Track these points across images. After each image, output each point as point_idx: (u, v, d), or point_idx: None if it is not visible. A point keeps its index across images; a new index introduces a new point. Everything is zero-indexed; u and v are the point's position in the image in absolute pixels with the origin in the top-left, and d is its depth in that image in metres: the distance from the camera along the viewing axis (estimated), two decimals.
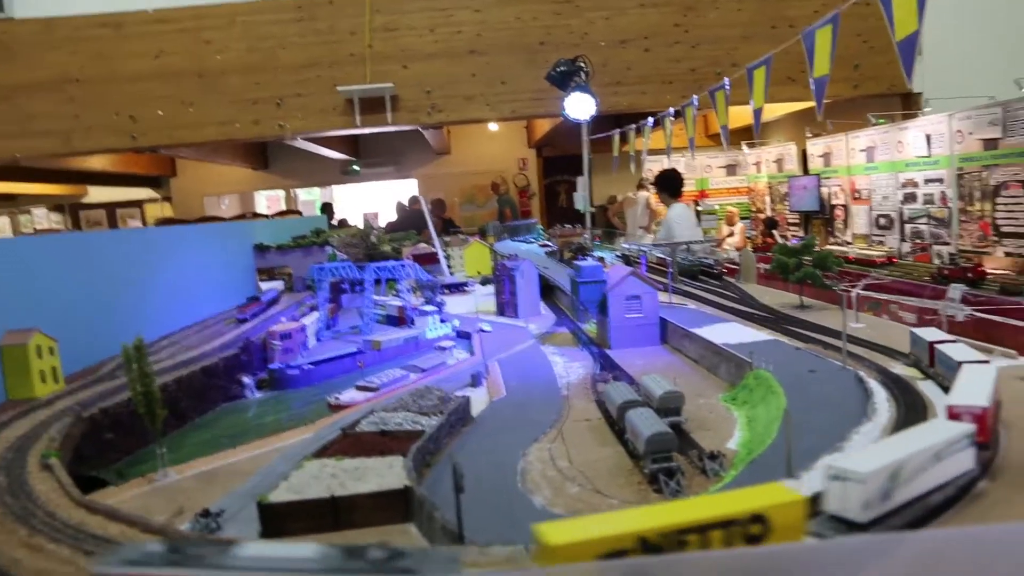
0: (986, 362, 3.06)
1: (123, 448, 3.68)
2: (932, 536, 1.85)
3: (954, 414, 2.44)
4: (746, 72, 6.53)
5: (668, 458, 2.84)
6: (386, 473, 2.75)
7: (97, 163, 16.98)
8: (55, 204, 21.47)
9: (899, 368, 3.61)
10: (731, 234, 14.68)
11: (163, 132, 13.85)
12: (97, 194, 22.24)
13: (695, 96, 8.05)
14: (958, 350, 3.27)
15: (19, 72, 13.46)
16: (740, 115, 9.37)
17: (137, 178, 21.06)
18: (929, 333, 3.61)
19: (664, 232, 11.01)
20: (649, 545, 1.63)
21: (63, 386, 4.14)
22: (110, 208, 22.01)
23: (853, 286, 4.86)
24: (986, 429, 2.38)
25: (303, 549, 1.60)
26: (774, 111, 15.31)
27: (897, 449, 2.16)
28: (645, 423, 2.96)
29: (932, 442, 2.21)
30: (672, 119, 9.25)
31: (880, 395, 3.20)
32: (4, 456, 2.94)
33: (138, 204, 22.08)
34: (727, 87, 7.10)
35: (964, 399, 2.47)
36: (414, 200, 18.09)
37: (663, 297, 5.41)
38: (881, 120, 11.11)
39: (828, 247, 9.82)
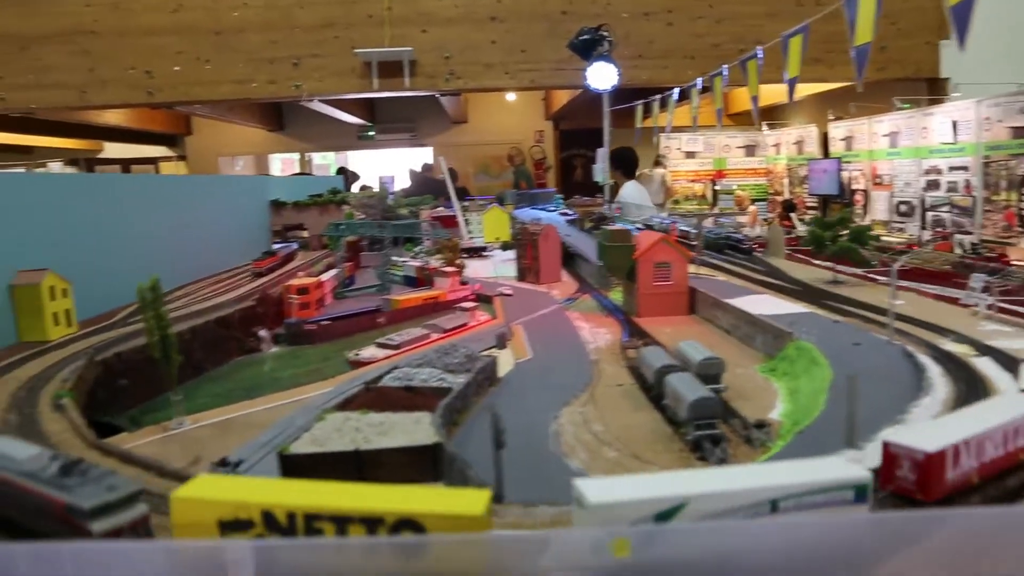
0: None
1: (137, 395, 3.55)
2: (991, 513, 1.71)
3: None
4: (781, 40, 6.29)
5: (712, 425, 2.69)
6: (413, 429, 2.61)
7: (113, 118, 16.81)
8: (71, 158, 21.35)
9: (949, 345, 3.44)
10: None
11: (179, 88, 13.65)
12: (113, 150, 22.09)
13: (725, 66, 7.80)
14: None
15: (35, 21, 13.27)
16: (762, 95, 9.13)
17: (152, 135, 20.90)
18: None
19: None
20: (274, 522, 1.45)
21: (76, 329, 4.02)
22: (125, 164, 21.88)
23: (892, 262, 4.69)
24: None
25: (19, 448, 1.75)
26: (796, 92, 15.06)
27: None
28: (688, 388, 2.81)
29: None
30: (699, 91, 8.99)
31: (933, 370, 3.04)
32: (16, 395, 2.82)
33: (153, 162, 21.94)
34: (760, 56, 6.87)
35: None
36: (427, 167, 17.87)
37: (689, 269, 5.24)
38: (906, 105, 10.85)
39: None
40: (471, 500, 1.45)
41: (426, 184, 16.09)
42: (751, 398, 3.29)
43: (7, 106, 13.40)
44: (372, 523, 1.41)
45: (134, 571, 1.38)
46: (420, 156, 20.89)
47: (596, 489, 1.49)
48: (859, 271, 5.48)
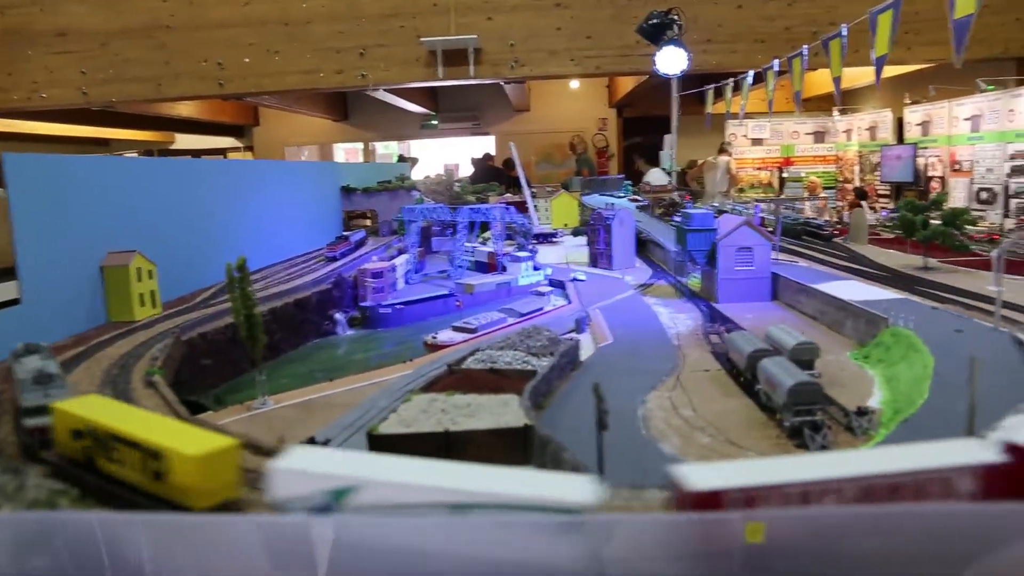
0: None
1: (219, 374, 3.60)
2: None
3: None
4: (868, 17, 6.01)
5: (812, 411, 2.56)
6: (501, 411, 2.55)
7: (184, 110, 17.27)
8: (145, 149, 22.03)
9: None
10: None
11: (248, 80, 13.90)
12: (184, 141, 22.73)
13: (805, 46, 7.51)
14: None
15: (116, 18, 13.68)
16: (825, 82, 8.81)
17: (222, 126, 21.41)
18: None
19: None
20: (86, 433, 1.73)
21: (160, 311, 4.09)
22: (196, 154, 22.48)
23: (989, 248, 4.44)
24: None
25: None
26: (868, 75, 14.50)
27: None
28: (785, 372, 2.69)
29: None
30: (776, 73, 8.70)
31: None
32: (110, 372, 2.86)
33: (222, 152, 22.49)
34: (844, 35, 6.59)
35: None
36: (488, 156, 17.85)
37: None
38: (991, 86, 10.31)
39: None
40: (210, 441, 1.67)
41: (488, 172, 16.09)
42: (846, 385, 3.14)
43: (89, 100, 13.87)
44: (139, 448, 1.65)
45: (231, 542, 1.42)
46: (482, 145, 20.88)
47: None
48: (950, 255, 5.21)
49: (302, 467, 1.51)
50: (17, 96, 14.04)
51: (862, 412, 2.63)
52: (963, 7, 4.87)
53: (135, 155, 21.25)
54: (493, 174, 15.53)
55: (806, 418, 2.54)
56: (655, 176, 13.46)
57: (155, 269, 4.04)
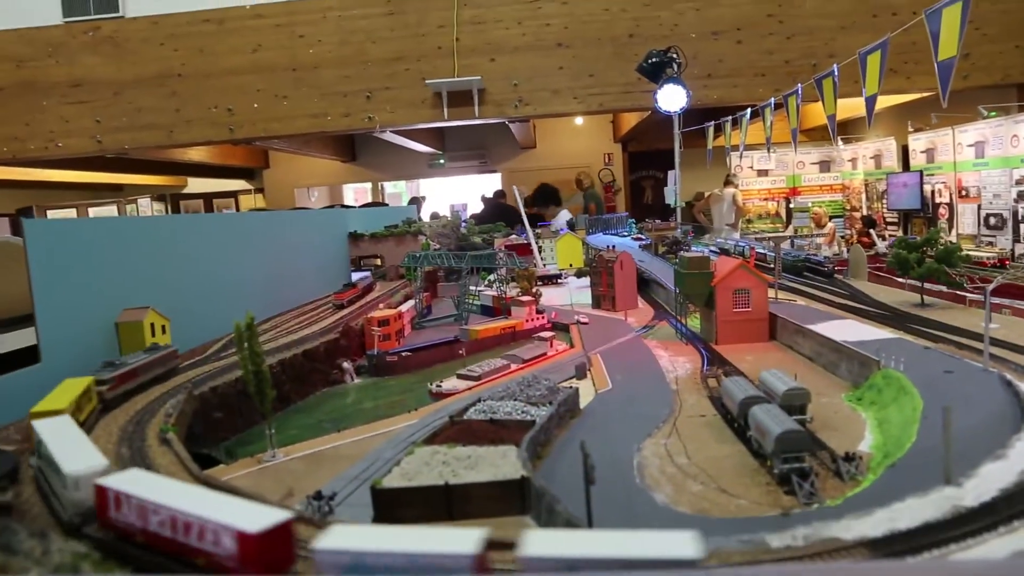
0: None
1: (230, 427, 3.71)
2: None
3: None
4: (858, 57, 6.17)
5: (800, 458, 2.65)
6: (500, 463, 2.65)
7: (196, 155, 17.63)
8: (158, 194, 22.43)
9: None
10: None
11: (258, 124, 14.25)
12: (196, 185, 23.15)
13: (800, 84, 7.68)
14: None
15: (128, 68, 14.08)
16: (838, 109, 8.96)
17: (232, 170, 21.81)
18: None
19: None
20: None
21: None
22: (207, 198, 22.86)
23: (984, 284, 4.52)
24: None
25: None
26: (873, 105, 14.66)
27: None
28: (773, 420, 2.78)
29: None
30: (772, 110, 8.88)
31: None
32: (126, 429, 2.98)
33: (233, 195, 22.86)
34: (836, 74, 6.75)
35: None
36: (499, 193, 18.07)
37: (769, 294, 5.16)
38: (993, 113, 10.44)
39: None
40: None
41: (498, 210, 16.30)
42: (838, 429, 3.22)
43: (103, 148, 14.23)
44: None
45: None
46: (489, 182, 21.14)
47: None
48: (948, 291, 5.29)
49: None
50: (34, 146, 14.41)
51: (849, 458, 2.71)
52: (946, 50, 5.02)
53: (148, 199, 21.61)
54: (502, 212, 15.75)
55: (794, 465, 2.62)
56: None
57: (168, 324, 4.18)
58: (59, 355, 3.51)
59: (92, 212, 19.02)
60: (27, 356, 3.49)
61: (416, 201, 18.73)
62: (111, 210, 20.09)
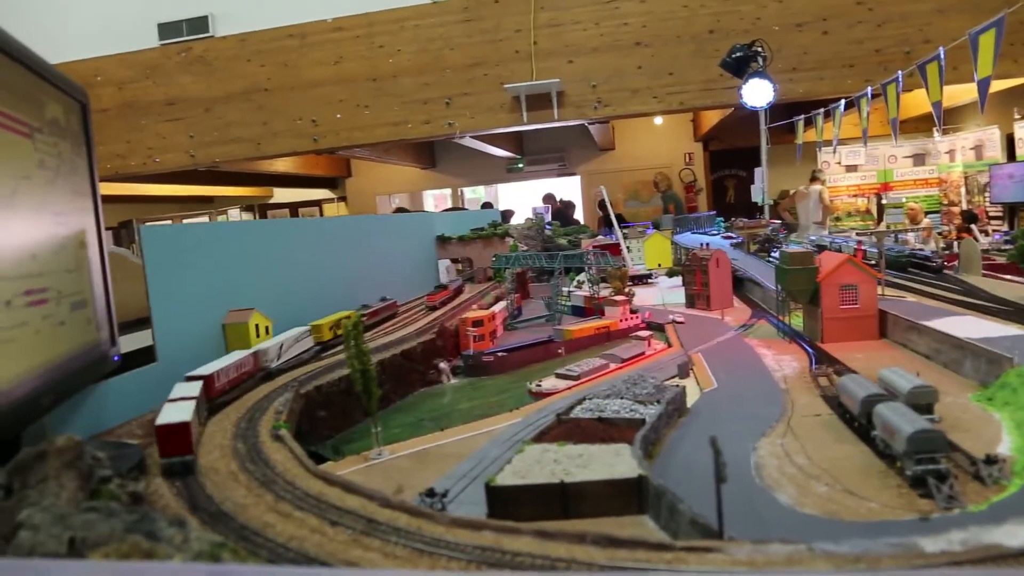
0: None
1: (334, 425, 3.76)
2: None
3: None
4: (969, 38, 5.85)
5: (935, 460, 2.48)
6: (614, 461, 2.58)
7: (282, 166, 18.21)
8: (246, 205, 23.28)
9: None
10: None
11: (341, 134, 14.60)
12: (281, 195, 23.92)
13: (900, 72, 7.34)
14: None
15: (218, 85, 14.66)
16: (922, 102, 8.54)
17: (316, 179, 22.43)
18: None
19: None
20: None
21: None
22: (293, 208, 23.59)
23: None
24: None
25: None
26: (969, 92, 13.94)
27: None
28: (903, 419, 2.61)
29: None
30: (869, 100, 8.51)
31: None
32: (239, 425, 3.04)
33: (317, 204, 23.52)
34: (942, 58, 6.42)
35: None
36: (567, 204, 18.02)
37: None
38: None
39: None
40: None
41: (564, 215, 16.26)
42: (969, 430, 3.02)
43: (196, 162, 14.85)
44: None
45: None
46: (568, 186, 21.12)
47: None
48: None
49: None
50: (134, 162, 15.15)
51: (991, 460, 2.53)
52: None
53: (237, 210, 22.41)
54: (562, 216, 15.79)
55: (929, 467, 2.46)
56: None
57: (271, 325, 4.27)
58: (173, 354, 3.62)
59: (185, 223, 19.85)
60: (145, 356, 3.61)
61: (488, 206, 18.84)
62: (203, 221, 20.94)
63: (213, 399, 3.28)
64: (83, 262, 3.00)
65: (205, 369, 3.29)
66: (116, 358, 3.25)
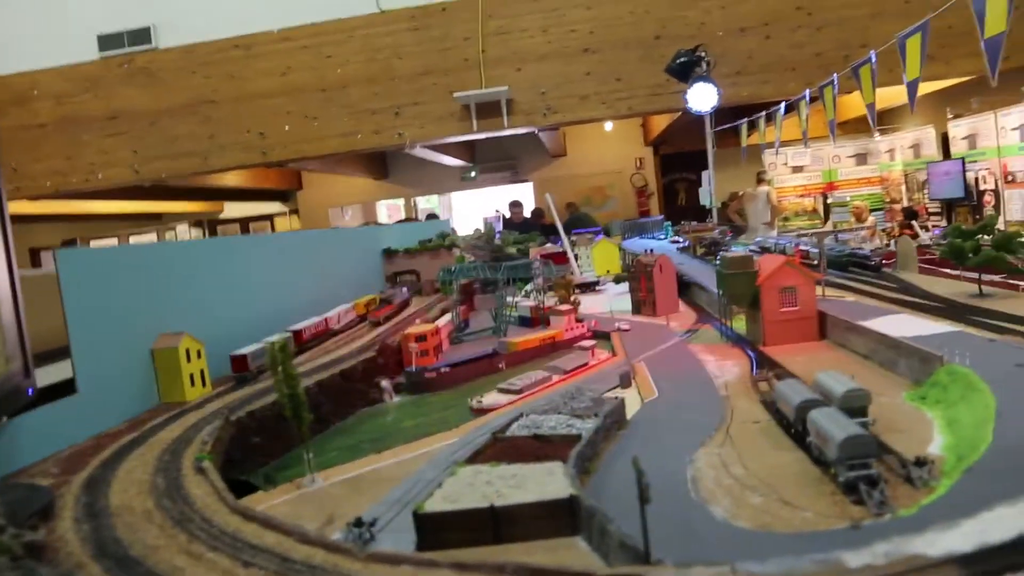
0: None
1: (269, 452, 3.64)
2: None
3: None
4: (897, 42, 5.96)
5: (867, 464, 2.47)
6: (546, 481, 2.52)
7: (231, 180, 17.88)
8: (195, 220, 22.81)
9: None
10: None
11: (290, 147, 14.38)
12: (232, 209, 23.50)
13: (835, 74, 7.47)
14: None
15: (163, 97, 14.33)
16: (861, 103, 8.72)
17: (267, 193, 22.10)
18: None
19: None
20: None
21: (211, 390, 4.18)
22: (244, 222, 23.19)
23: None
24: None
25: None
26: (905, 94, 14.29)
27: None
28: (835, 425, 2.61)
29: None
30: (808, 103, 8.65)
31: None
32: (161, 458, 2.92)
33: (268, 218, 23.17)
34: (874, 61, 6.53)
35: None
36: (537, 212, 18.00)
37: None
38: None
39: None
40: None
41: (518, 222, 16.24)
42: (903, 430, 3.03)
43: (141, 177, 14.49)
44: None
45: None
46: (521, 193, 21.08)
47: None
48: (1005, 279, 5.04)
49: None
50: (76, 179, 14.72)
51: (921, 462, 2.53)
52: (993, 26, 4.80)
53: (186, 226, 21.96)
54: (522, 224, 15.72)
55: (861, 472, 2.45)
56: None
57: (203, 348, 4.14)
58: (96, 384, 3.47)
59: (132, 240, 19.39)
60: (66, 389, 3.46)
61: (433, 217, 18.72)
62: (151, 238, 20.48)
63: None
64: None
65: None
66: (30, 391, 3.09)
